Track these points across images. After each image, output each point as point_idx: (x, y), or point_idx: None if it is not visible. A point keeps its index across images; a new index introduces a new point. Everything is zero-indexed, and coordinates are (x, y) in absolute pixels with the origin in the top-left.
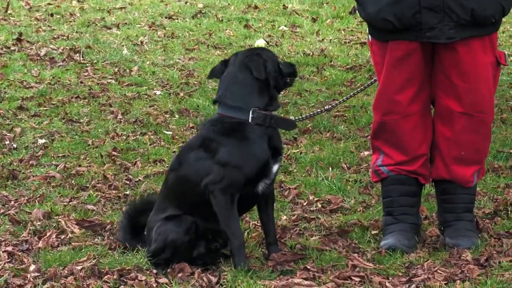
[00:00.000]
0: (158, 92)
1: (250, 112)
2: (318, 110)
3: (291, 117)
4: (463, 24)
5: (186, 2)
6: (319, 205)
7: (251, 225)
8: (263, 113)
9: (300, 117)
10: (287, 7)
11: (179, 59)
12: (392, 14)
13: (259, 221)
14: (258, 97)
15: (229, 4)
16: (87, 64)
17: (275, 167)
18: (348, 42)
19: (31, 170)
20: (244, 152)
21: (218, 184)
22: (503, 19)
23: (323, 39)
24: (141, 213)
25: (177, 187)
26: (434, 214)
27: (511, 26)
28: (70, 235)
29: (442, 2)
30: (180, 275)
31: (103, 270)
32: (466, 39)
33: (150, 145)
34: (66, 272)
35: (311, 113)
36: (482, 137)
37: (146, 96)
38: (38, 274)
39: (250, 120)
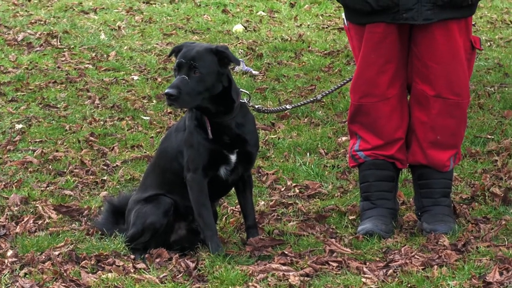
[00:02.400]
0: (135, 77)
1: None
2: (311, 99)
3: (286, 106)
4: (440, 5)
5: None
6: (297, 191)
7: (229, 211)
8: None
9: (294, 105)
10: None
11: (156, 44)
12: None
13: (236, 207)
14: None
15: None
16: (65, 49)
17: (232, 157)
18: (326, 28)
19: (8, 155)
20: (193, 136)
21: (188, 171)
22: (481, 4)
23: (301, 25)
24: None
25: (158, 161)
26: (411, 199)
27: (489, 12)
28: (47, 220)
29: None
30: (158, 260)
31: (80, 256)
32: (443, 21)
33: (127, 130)
34: (43, 257)
35: (304, 101)
36: (458, 121)
37: (124, 81)
38: (16, 259)
39: None
